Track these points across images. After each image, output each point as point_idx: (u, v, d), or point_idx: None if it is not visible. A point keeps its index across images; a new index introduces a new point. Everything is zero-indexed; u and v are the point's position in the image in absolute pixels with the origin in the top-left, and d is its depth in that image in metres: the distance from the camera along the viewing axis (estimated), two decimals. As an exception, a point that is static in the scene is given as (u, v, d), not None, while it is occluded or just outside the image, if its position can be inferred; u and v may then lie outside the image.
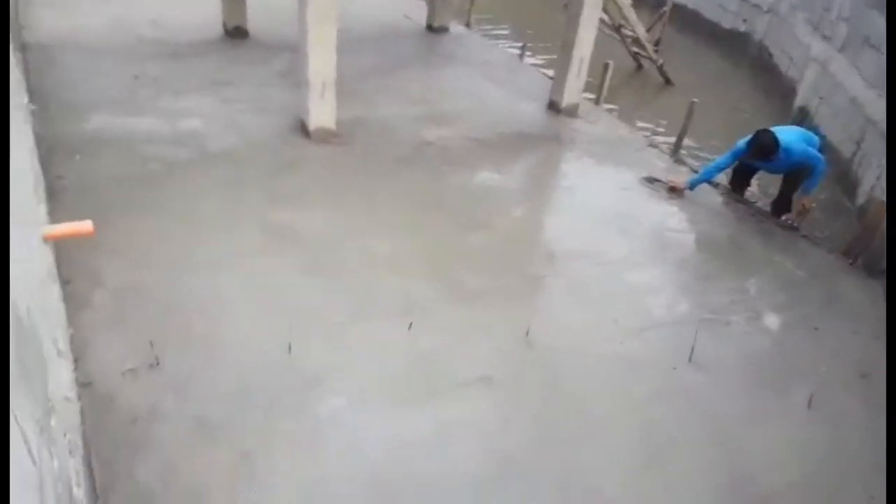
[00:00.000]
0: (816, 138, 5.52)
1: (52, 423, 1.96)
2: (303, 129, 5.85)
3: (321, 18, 5.27)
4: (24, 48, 6.58)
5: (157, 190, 4.82)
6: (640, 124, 7.99)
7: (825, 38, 8.53)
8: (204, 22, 7.94)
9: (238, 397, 3.24)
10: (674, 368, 3.86)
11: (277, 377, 3.39)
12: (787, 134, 5.32)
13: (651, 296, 4.45)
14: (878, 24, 7.09)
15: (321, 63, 5.49)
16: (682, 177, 5.93)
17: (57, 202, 4.37)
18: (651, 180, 5.90)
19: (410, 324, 3.84)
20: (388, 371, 3.55)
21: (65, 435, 2.16)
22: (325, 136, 5.78)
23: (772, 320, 4.42)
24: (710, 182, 5.97)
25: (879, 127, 6.51)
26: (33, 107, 4.95)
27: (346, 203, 5.01)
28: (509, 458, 3.16)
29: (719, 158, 5.81)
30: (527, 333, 3.90)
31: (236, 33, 7.89)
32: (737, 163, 5.64)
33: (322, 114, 5.72)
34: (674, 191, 5.76)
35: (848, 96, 7.44)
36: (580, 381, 3.68)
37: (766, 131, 5.27)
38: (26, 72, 6.05)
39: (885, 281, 4.88)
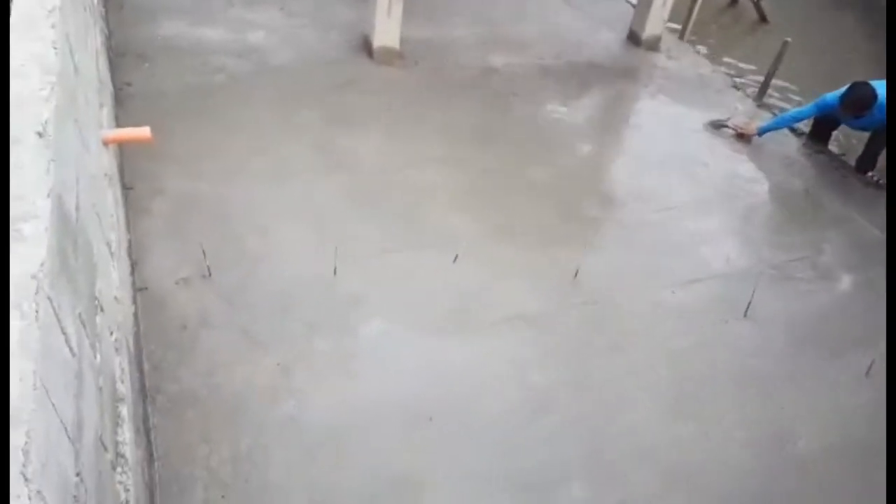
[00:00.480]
0: None
1: (98, 320, 2.05)
2: (366, 48, 5.73)
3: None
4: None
5: (220, 101, 4.86)
6: (726, 63, 7.46)
7: (950, -25, 7.63)
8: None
9: (282, 313, 3.33)
10: (725, 322, 3.72)
11: (321, 297, 3.45)
12: (883, 88, 4.86)
13: (711, 245, 4.26)
14: None
15: (390, -23, 5.31)
16: (752, 122, 5.53)
17: (122, 108, 4.46)
18: (717, 125, 5.52)
19: (456, 256, 3.81)
20: (429, 300, 3.55)
21: (111, 333, 2.25)
22: (388, 57, 5.65)
23: (840, 281, 4.18)
24: (793, 130, 5.56)
25: None
26: (102, 9, 4.99)
27: (402, 127, 4.93)
28: (544, 394, 3.16)
29: (802, 107, 5.39)
30: (575, 274, 3.82)
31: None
32: (819, 114, 5.23)
33: (387, 32, 5.57)
34: (742, 137, 5.39)
35: (965, 44, 6.69)
36: (624, 327, 3.61)
37: (865, 84, 4.82)
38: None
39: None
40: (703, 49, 7.46)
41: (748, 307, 3.76)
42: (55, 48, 2.06)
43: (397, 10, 5.46)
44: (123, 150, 3.99)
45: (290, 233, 3.82)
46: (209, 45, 5.54)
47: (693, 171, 4.96)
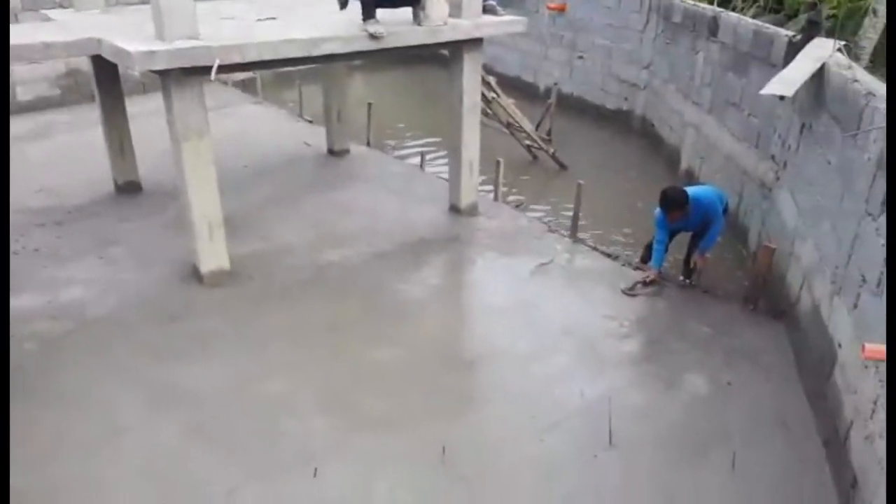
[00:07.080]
0: (726, 195, 5.81)
1: None
2: (196, 275, 5.69)
3: (197, 162, 5.26)
4: None
5: (32, 372, 4.48)
6: (540, 211, 8.19)
7: (695, 103, 9.14)
8: (95, 180, 7.77)
9: None
10: (595, 456, 3.73)
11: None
12: (696, 189, 5.58)
13: (562, 385, 4.37)
14: (735, 84, 7.67)
15: (205, 205, 5.42)
16: (648, 269, 5.80)
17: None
18: (630, 289, 5.66)
19: (315, 470, 3.59)
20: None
21: None
22: (219, 278, 5.62)
23: (684, 385, 4.39)
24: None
25: (753, 177, 6.91)
26: None
27: (239, 348, 4.79)
28: None
29: (656, 231, 5.67)
30: (443, 451, 3.71)
31: (128, 188, 7.77)
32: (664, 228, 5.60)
33: (213, 255, 5.59)
34: (654, 282, 5.68)
35: (723, 153, 7.91)
36: (500, 492, 3.49)
37: (672, 187, 5.52)
38: None
39: (785, 322, 5.00)
40: (519, 204, 8.17)
41: (610, 436, 3.81)
42: None
43: (219, 233, 5.54)
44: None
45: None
46: (17, 313, 5.13)
47: (532, 317, 5.19)
